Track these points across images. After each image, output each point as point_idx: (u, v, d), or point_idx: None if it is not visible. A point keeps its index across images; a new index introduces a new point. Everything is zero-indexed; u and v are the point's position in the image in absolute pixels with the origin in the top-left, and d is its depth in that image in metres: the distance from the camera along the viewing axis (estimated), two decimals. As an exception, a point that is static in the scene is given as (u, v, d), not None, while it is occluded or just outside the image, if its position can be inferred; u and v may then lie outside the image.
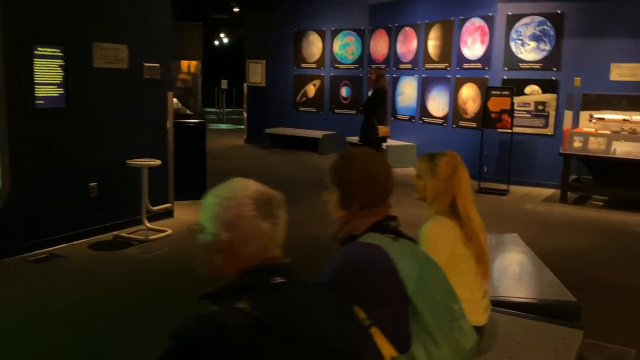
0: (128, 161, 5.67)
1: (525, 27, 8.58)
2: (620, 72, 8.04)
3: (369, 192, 1.92)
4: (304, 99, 12.44)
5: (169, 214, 6.42)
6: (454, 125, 9.69)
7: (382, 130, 7.59)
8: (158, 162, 5.80)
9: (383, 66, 10.80)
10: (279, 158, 11.41)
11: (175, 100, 7.53)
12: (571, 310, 3.13)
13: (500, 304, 3.08)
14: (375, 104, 7.64)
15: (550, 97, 8.52)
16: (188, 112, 7.69)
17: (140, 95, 5.98)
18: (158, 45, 6.12)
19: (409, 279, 1.77)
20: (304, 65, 12.33)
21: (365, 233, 1.88)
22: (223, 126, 17.41)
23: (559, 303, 3.18)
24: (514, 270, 3.83)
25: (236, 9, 14.70)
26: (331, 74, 12.16)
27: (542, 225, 6.67)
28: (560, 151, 7.78)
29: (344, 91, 12.03)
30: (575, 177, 8.31)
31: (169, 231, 5.84)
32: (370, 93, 8.11)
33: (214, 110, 20.59)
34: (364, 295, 1.73)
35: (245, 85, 13.20)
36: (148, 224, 5.90)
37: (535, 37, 8.54)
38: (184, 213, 6.52)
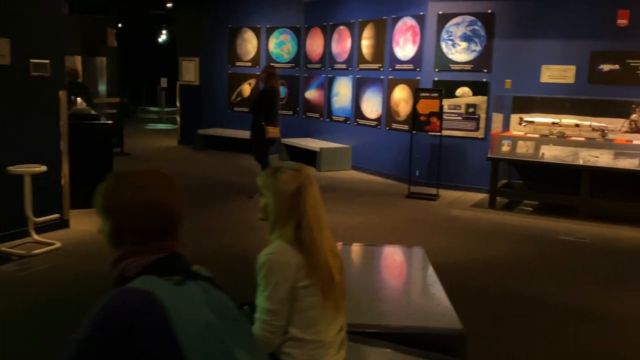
0: (9, 167, 5.13)
1: (456, 27, 8.34)
2: (550, 74, 7.87)
3: (145, 222, 1.52)
4: (239, 98, 11.98)
5: (63, 224, 5.89)
6: (388, 128, 9.40)
7: (271, 131, 7.37)
8: (43, 168, 5.27)
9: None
10: (209, 160, 10.92)
11: (79, 100, 6.99)
12: (454, 341, 2.79)
13: (374, 335, 2.72)
14: (264, 103, 7.42)
15: (481, 100, 8.30)
16: (93, 112, 7.14)
17: (25, 94, 5.43)
18: (48, 39, 5.58)
19: (188, 335, 1.38)
20: (239, 63, 11.87)
21: (138, 275, 1.48)
22: (162, 126, 16.78)
23: (442, 332, 2.84)
24: (404, 292, 3.49)
25: (169, 4, 14.11)
26: (266, 73, 11.72)
27: (466, 232, 6.41)
28: (489, 155, 7.56)
29: (280, 91, 11.60)
30: (506, 182, 8.12)
31: (58, 244, 5.31)
32: (260, 94, 7.82)
33: (156, 109, 19.91)
34: (128, 356, 1.34)
35: (178, 83, 12.65)
36: (35, 236, 5.36)
37: (466, 38, 8.30)
38: (82, 223, 6.00)
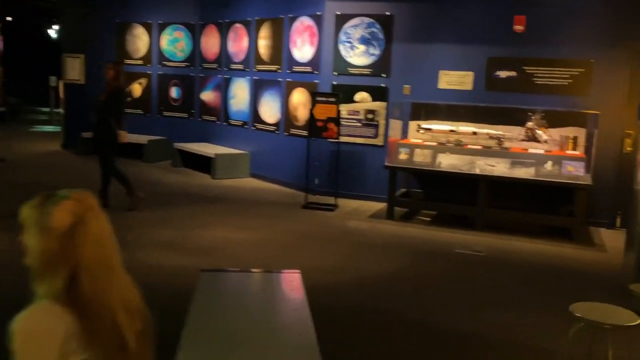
0: None
1: (354, 29, 7.96)
2: (448, 80, 7.65)
3: None
4: (129, 99, 11.04)
5: None
6: (286, 133, 8.89)
7: (124, 135, 6.83)
8: None
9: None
10: (90, 166, 9.93)
11: None
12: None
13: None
14: (115, 104, 6.83)
15: (380, 105, 7.96)
16: None
17: None
18: None
19: None
20: (128, 61, 10.93)
21: None
22: (49, 128, 15.40)
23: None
24: (260, 333, 2.94)
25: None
26: (159, 72, 10.91)
27: (360, 246, 6.00)
28: (386, 164, 7.21)
29: (174, 92, 10.84)
30: (405, 191, 7.81)
31: None
32: (106, 93, 6.96)
33: (47, 110, 18.37)
34: None
35: (61, 82, 11.54)
36: None
37: (364, 40, 7.94)
38: None
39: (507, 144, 7.16)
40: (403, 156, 7.19)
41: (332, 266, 5.32)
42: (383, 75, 7.90)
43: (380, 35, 7.84)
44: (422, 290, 4.86)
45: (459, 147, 7.13)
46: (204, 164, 9.46)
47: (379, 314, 4.33)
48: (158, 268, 5.02)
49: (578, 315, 3.18)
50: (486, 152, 6.97)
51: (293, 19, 8.62)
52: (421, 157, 7.14)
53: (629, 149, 6.82)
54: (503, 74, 7.37)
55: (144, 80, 10.92)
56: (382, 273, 5.22)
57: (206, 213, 7.15)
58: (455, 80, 7.60)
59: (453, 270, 5.45)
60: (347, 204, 7.83)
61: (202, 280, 3.22)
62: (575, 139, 6.96)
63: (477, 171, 6.82)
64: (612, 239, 6.59)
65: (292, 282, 3.55)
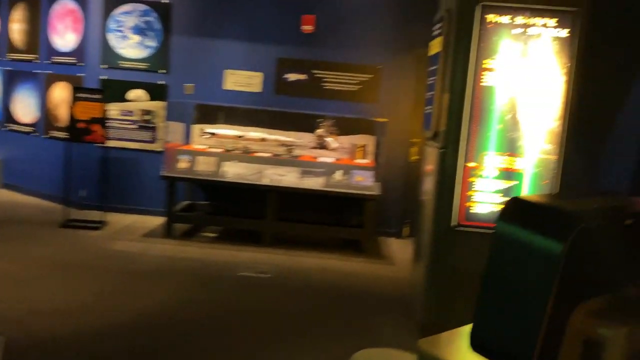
0: None
1: (127, 16, 6.85)
2: (235, 80, 6.93)
3: None
4: None
5: None
6: (46, 135, 7.42)
7: None
8: None
9: None
10: None
11: None
12: None
13: None
14: None
15: (158, 106, 6.96)
16: None
17: None
18: None
19: None
20: None
21: None
22: None
23: None
24: None
25: None
26: None
27: (127, 275, 4.95)
28: (163, 173, 6.26)
29: None
30: (189, 204, 6.92)
31: None
32: None
33: None
34: None
35: None
36: None
37: (139, 30, 6.87)
38: None
39: (297, 152, 6.65)
40: (183, 164, 6.29)
41: (87, 305, 4.23)
42: (162, 71, 6.91)
43: (157, 25, 6.84)
44: (194, 330, 4.02)
45: (246, 155, 6.44)
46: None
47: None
48: None
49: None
50: (275, 160, 6.38)
51: (52, 1, 7.21)
52: (205, 166, 6.30)
53: (414, 157, 6.75)
54: (293, 76, 6.86)
55: None
56: (150, 309, 4.27)
57: None
58: (243, 80, 6.91)
59: (234, 298, 4.69)
60: (119, 220, 6.70)
61: None
62: (364, 147, 6.71)
63: (266, 181, 6.20)
64: (400, 250, 6.43)
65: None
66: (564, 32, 3.66)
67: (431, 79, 4.23)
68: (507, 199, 1.58)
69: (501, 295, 1.45)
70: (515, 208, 1.49)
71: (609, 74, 3.97)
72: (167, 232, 6.24)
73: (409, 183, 6.86)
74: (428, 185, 4.20)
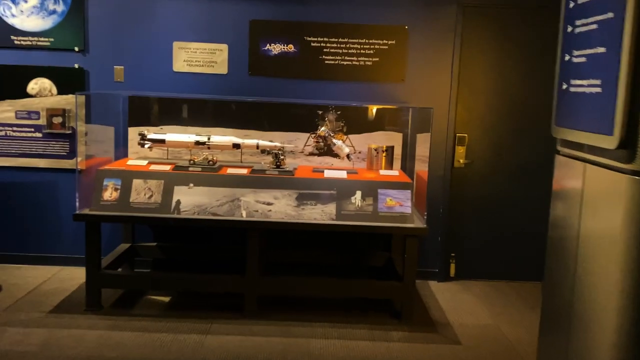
0: None
1: (15, -35, 4.45)
2: (189, 57, 4.61)
3: None
4: None
5: None
6: None
7: None
8: None
9: None
10: None
11: None
12: None
13: None
14: None
15: (73, 102, 4.61)
16: None
17: None
18: None
19: None
20: None
21: None
22: None
23: None
24: None
25: None
26: None
27: None
28: (77, 211, 3.93)
29: None
30: (129, 247, 4.61)
31: None
32: None
33: None
34: None
35: None
36: None
37: (35, -14, 4.48)
38: None
39: (289, 163, 4.40)
40: (111, 193, 3.96)
41: None
42: (76, 48, 4.55)
43: (62, -21, 4.47)
44: None
45: (211, 173, 4.13)
46: None
47: None
48: None
49: None
50: (256, 179, 4.08)
51: None
52: (145, 194, 3.99)
53: (462, 162, 4.53)
54: (275, 47, 4.57)
55: None
56: None
57: None
58: (200, 57, 4.59)
59: None
60: (21, 279, 4.39)
61: None
62: (389, 150, 4.48)
63: (243, 214, 3.92)
64: (455, 306, 4.25)
65: None
66: None
67: (588, 22, 2.01)
68: None
69: None
70: None
71: None
72: (92, 300, 3.94)
73: (455, 199, 4.68)
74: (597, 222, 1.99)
